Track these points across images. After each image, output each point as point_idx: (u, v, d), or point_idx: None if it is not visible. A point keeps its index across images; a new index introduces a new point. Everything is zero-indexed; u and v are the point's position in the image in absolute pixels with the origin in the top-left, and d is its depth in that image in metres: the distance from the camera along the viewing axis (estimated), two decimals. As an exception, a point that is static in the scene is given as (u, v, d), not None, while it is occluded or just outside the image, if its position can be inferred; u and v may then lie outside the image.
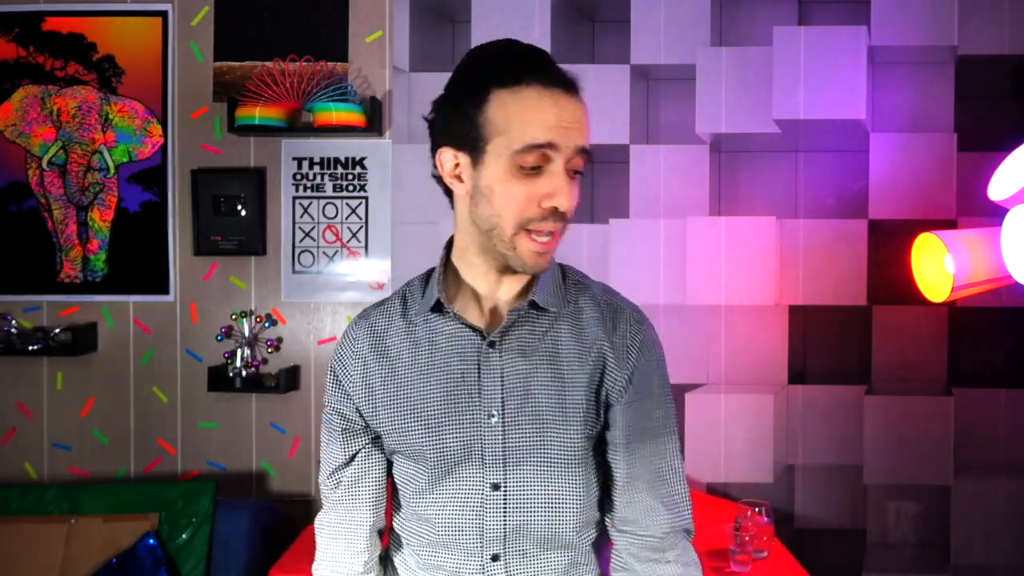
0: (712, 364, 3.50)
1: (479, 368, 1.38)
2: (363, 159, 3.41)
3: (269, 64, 3.35)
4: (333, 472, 1.50)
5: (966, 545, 3.32)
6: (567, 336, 1.41)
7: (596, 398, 1.41)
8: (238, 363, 3.35)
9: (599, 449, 1.46)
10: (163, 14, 3.43)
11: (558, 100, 1.28)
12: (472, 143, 1.30)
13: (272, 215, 3.43)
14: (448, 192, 1.39)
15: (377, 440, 1.48)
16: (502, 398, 1.37)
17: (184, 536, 3.08)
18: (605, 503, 1.48)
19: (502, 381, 1.37)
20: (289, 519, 3.33)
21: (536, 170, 1.28)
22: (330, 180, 3.42)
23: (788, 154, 3.66)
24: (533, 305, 1.40)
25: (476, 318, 1.41)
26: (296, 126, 3.35)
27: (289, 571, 2.73)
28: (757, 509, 2.77)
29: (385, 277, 3.39)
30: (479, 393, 1.38)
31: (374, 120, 3.32)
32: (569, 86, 1.31)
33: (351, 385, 1.44)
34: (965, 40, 3.27)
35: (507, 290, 1.41)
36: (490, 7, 3.43)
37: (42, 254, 3.47)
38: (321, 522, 1.54)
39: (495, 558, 1.41)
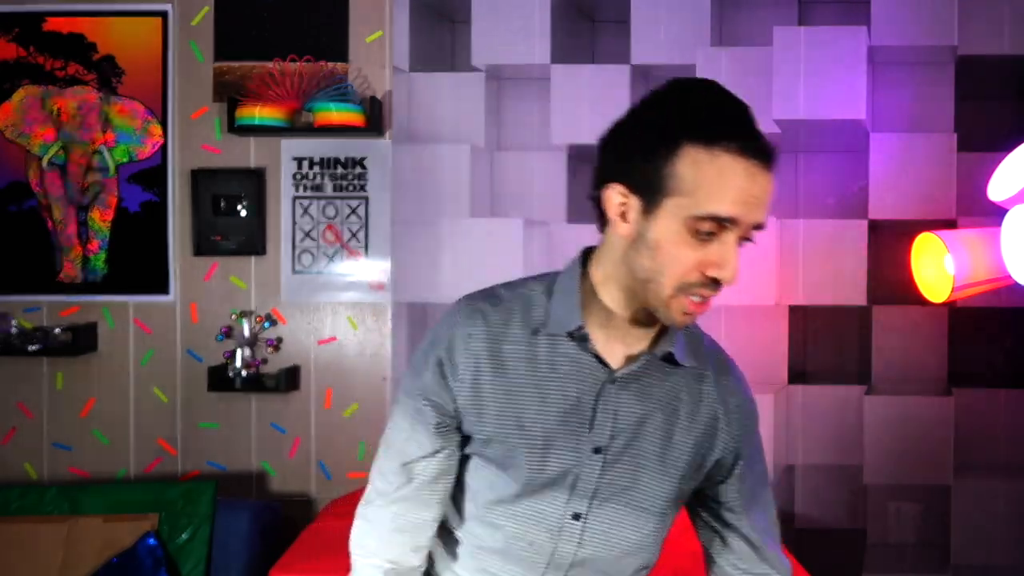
0: (712, 364, 3.50)
1: (596, 401, 1.34)
2: (363, 159, 3.41)
3: (269, 64, 3.35)
4: (409, 463, 1.41)
5: (966, 545, 3.32)
6: (684, 391, 1.40)
7: (701, 458, 1.42)
8: (238, 363, 3.35)
9: (701, 505, 1.50)
10: (163, 14, 3.43)
11: (754, 174, 1.21)
12: (649, 190, 1.24)
13: (272, 215, 3.43)
14: (601, 216, 1.33)
15: (461, 441, 1.43)
16: (610, 435, 1.35)
17: (184, 536, 3.08)
18: (720, 555, 1.50)
19: (614, 419, 1.35)
20: (289, 519, 3.33)
21: (709, 236, 1.23)
22: (330, 180, 3.42)
23: (788, 154, 3.66)
24: (667, 357, 1.37)
25: (603, 349, 1.36)
26: (296, 126, 3.35)
27: (289, 571, 2.73)
28: (757, 509, 2.77)
29: (385, 277, 3.39)
30: (590, 426, 1.35)
31: (374, 120, 3.32)
32: (766, 157, 1.23)
33: (458, 383, 1.36)
34: (965, 40, 3.27)
35: (639, 331, 1.36)
36: (490, 7, 3.43)
37: (42, 254, 3.47)
38: (378, 511, 1.45)
39: None
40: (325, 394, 3.42)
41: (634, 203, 1.25)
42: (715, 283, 1.26)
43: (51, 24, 3.44)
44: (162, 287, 3.44)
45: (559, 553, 1.40)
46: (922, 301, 2.84)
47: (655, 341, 1.38)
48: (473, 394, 1.36)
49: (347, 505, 3.12)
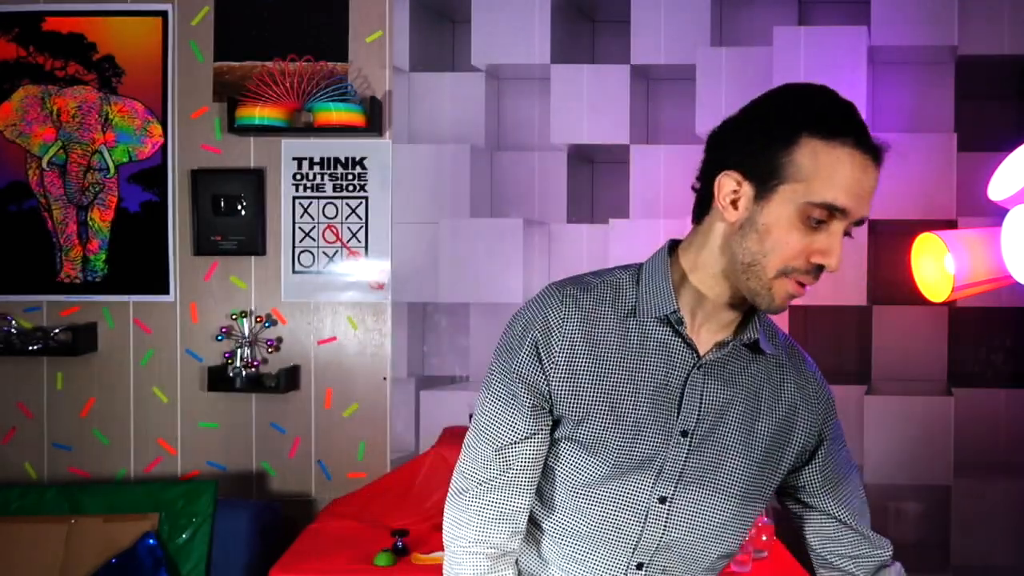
0: (712, 364, 3.50)
1: (684, 385, 1.39)
2: (363, 159, 3.41)
3: (269, 64, 3.35)
4: (505, 448, 1.42)
5: (966, 545, 3.32)
6: (764, 379, 1.45)
7: (781, 445, 1.47)
8: (238, 363, 3.35)
9: (785, 494, 1.57)
10: (163, 14, 3.43)
11: (866, 168, 1.28)
12: (764, 177, 1.29)
13: (272, 215, 3.43)
14: (701, 207, 1.39)
15: (552, 425, 1.44)
16: (696, 418, 1.39)
17: (184, 536, 3.08)
18: (814, 539, 1.62)
19: (700, 403, 1.40)
20: (289, 519, 3.33)
21: (819, 225, 1.28)
22: (330, 180, 3.42)
23: (788, 154, 3.66)
24: (751, 345, 1.43)
25: (692, 335, 1.41)
26: (296, 126, 3.35)
27: (289, 571, 2.73)
28: (757, 509, 2.77)
29: (385, 277, 3.39)
30: (678, 409, 1.39)
31: (374, 120, 3.32)
32: (877, 155, 1.30)
33: (552, 364, 1.39)
34: (965, 40, 3.27)
35: (726, 318, 1.41)
36: (490, 7, 3.43)
37: (42, 254, 3.47)
38: (474, 500, 1.44)
39: (640, 566, 1.45)
40: (325, 394, 3.42)
41: (747, 190, 1.31)
42: (818, 270, 1.31)
43: (51, 24, 3.44)
44: (162, 287, 3.44)
45: (645, 537, 1.42)
46: (922, 301, 2.84)
47: (738, 330, 1.42)
48: (568, 375, 1.39)
49: (347, 505, 3.13)
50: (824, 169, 1.26)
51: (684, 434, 1.39)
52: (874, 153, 1.29)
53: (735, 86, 3.34)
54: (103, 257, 3.46)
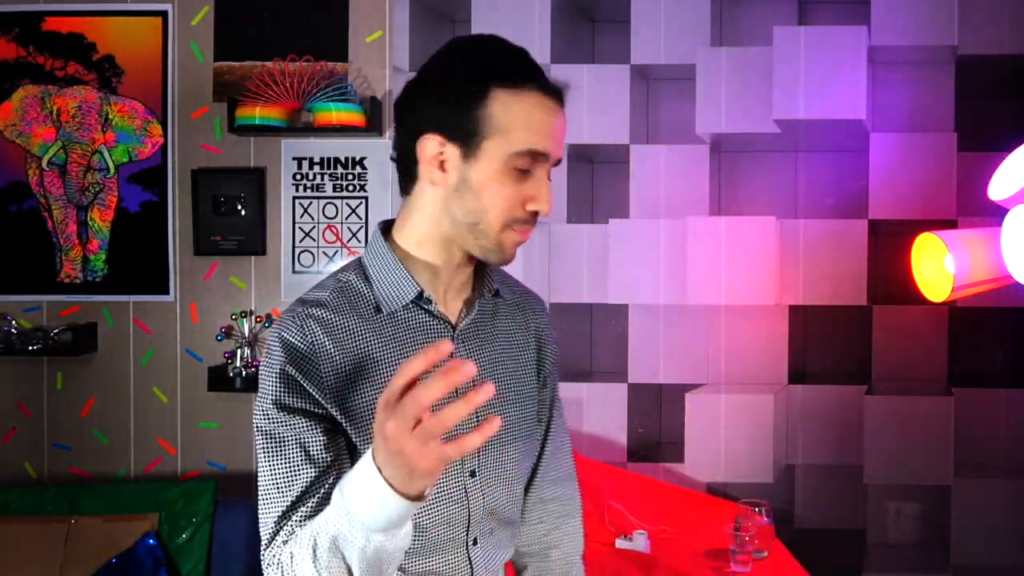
0: (712, 364, 3.50)
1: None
2: (363, 159, 3.41)
3: (269, 64, 3.36)
4: (305, 492, 1.28)
5: (966, 545, 3.31)
6: (511, 320, 1.51)
7: (538, 375, 1.55)
8: (238, 363, 3.35)
9: None
10: (163, 14, 3.43)
11: (553, 111, 1.32)
12: (465, 136, 1.30)
13: (272, 215, 3.43)
14: (406, 178, 1.38)
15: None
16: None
17: (184, 536, 3.08)
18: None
19: (475, 355, 1.42)
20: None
21: (525, 173, 1.31)
22: (330, 180, 3.42)
23: (788, 154, 3.66)
24: (496, 294, 1.48)
25: (440, 308, 1.42)
26: (296, 126, 3.35)
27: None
28: (757, 509, 2.77)
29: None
30: None
31: (374, 120, 3.32)
32: (560, 98, 1.34)
33: (320, 386, 1.31)
34: (965, 40, 3.27)
35: (462, 278, 1.43)
36: (490, 7, 3.42)
37: (42, 254, 3.47)
38: (293, 552, 1.24)
39: (475, 542, 1.44)
40: (325, 394, 3.42)
41: (452, 151, 1.31)
42: (534, 216, 1.35)
43: (51, 24, 3.44)
44: (162, 287, 3.44)
45: (472, 515, 1.41)
46: (922, 301, 2.83)
47: (476, 285, 1.46)
48: (337, 390, 1.32)
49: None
50: (519, 118, 1.28)
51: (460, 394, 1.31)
52: (558, 96, 1.33)
53: (735, 86, 3.34)
54: (103, 257, 3.46)
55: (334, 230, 3.43)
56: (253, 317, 3.40)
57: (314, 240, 3.42)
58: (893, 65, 3.49)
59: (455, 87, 1.31)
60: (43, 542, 3.06)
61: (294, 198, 3.43)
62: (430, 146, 1.32)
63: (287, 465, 1.29)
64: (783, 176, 3.67)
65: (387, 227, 1.44)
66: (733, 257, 3.34)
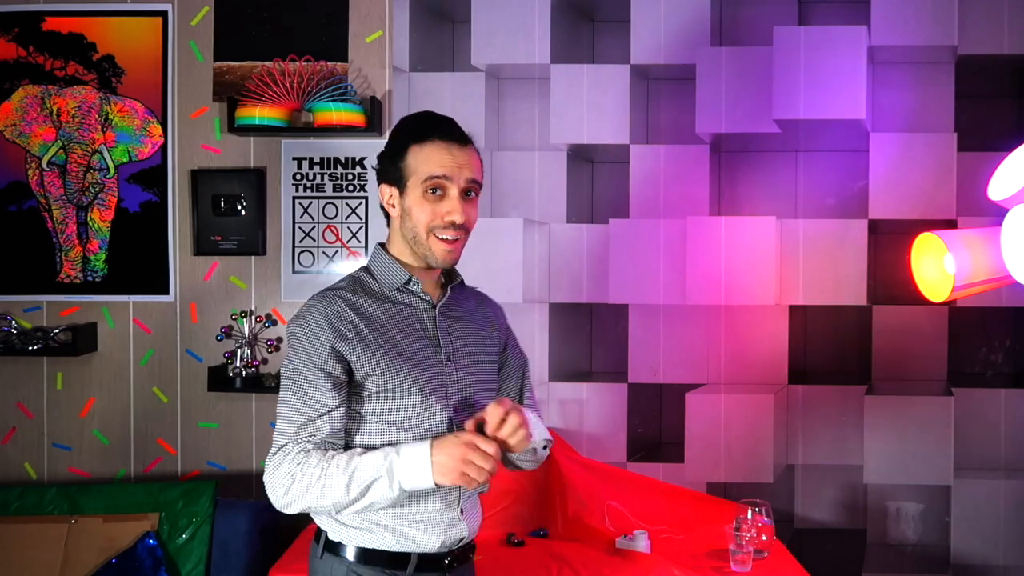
0: (712, 364, 3.50)
1: (436, 326, 1.96)
2: (363, 159, 3.41)
3: (269, 64, 3.36)
4: (313, 419, 1.82)
5: (966, 545, 3.32)
6: (474, 306, 2.08)
7: (499, 344, 2.10)
8: (238, 363, 3.35)
9: None
10: (163, 14, 3.43)
11: (451, 148, 1.90)
12: (399, 181, 1.92)
13: (272, 215, 3.43)
14: (388, 215, 1.99)
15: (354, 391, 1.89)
16: (451, 346, 1.96)
17: (184, 536, 3.08)
18: None
19: (450, 336, 1.97)
20: (289, 519, 3.33)
21: (439, 196, 1.89)
22: (330, 180, 3.42)
23: (788, 154, 3.66)
24: (461, 284, 2.06)
25: (428, 292, 2.00)
26: (296, 126, 3.35)
27: (289, 571, 2.73)
28: (757, 509, 2.77)
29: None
30: (438, 343, 1.95)
31: (374, 120, 3.32)
32: (462, 139, 1.93)
33: (345, 344, 1.85)
34: (965, 40, 3.27)
35: (433, 277, 2.00)
36: (490, 7, 3.42)
37: (42, 254, 3.47)
38: (301, 461, 1.81)
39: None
40: (325, 394, 3.42)
41: (395, 192, 1.94)
42: (454, 226, 1.89)
43: (51, 24, 3.44)
44: (162, 287, 3.44)
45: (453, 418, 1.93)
46: (922, 301, 2.83)
47: (446, 281, 2.03)
48: (363, 346, 1.87)
49: (347, 505, 3.13)
50: (422, 159, 1.89)
51: (449, 359, 1.94)
52: (459, 139, 1.92)
53: (735, 86, 3.34)
54: (103, 257, 3.46)
55: (334, 230, 3.43)
56: (253, 317, 3.40)
57: (314, 240, 3.43)
58: (893, 65, 3.49)
59: (390, 150, 1.95)
60: (43, 542, 3.06)
61: (294, 198, 3.43)
62: (384, 192, 1.96)
63: (308, 399, 1.83)
64: (783, 176, 3.67)
65: (383, 244, 2.04)
66: (733, 257, 3.35)
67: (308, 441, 1.82)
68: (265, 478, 1.87)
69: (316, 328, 1.86)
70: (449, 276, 2.04)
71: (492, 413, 1.79)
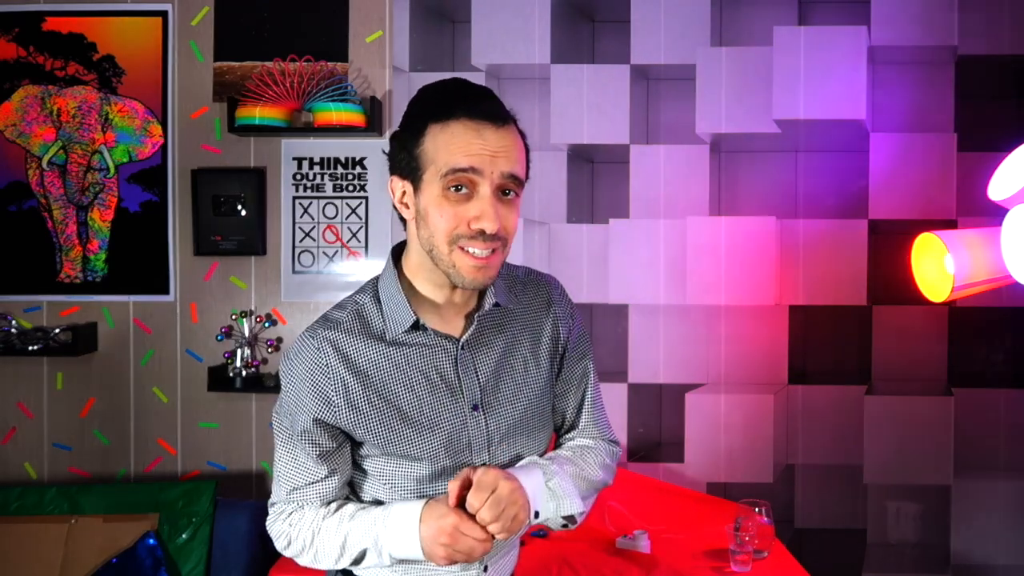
0: (712, 364, 3.50)
1: (456, 369, 1.53)
2: (363, 159, 3.41)
3: (269, 64, 3.36)
4: (300, 488, 1.57)
5: (966, 545, 3.32)
6: (519, 322, 1.61)
7: (552, 358, 1.64)
8: (238, 363, 3.35)
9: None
10: (163, 14, 3.43)
11: (482, 131, 1.41)
12: (412, 172, 1.45)
13: (272, 215, 3.43)
14: (403, 218, 1.54)
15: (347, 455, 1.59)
16: (480, 388, 1.54)
17: (184, 536, 3.08)
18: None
19: (477, 374, 1.54)
20: (289, 519, 3.33)
21: (464, 194, 1.42)
22: (330, 180, 3.42)
23: (788, 154, 3.66)
24: (495, 305, 1.57)
25: (443, 326, 1.55)
26: (296, 126, 3.35)
27: (289, 571, 2.73)
28: (757, 509, 2.77)
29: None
30: (460, 391, 1.53)
31: (374, 120, 3.32)
32: (496, 118, 1.43)
33: (331, 412, 1.51)
34: (965, 40, 3.27)
35: (460, 295, 1.55)
36: (490, 7, 3.42)
37: (42, 254, 3.47)
38: (295, 522, 1.59)
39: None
40: (325, 394, 3.42)
41: (408, 188, 1.48)
42: (484, 236, 1.43)
43: (51, 24, 3.45)
44: (162, 287, 3.44)
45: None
46: (922, 301, 2.83)
47: (480, 297, 1.57)
48: (354, 412, 1.51)
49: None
50: (443, 145, 1.41)
51: (475, 408, 1.53)
52: (491, 117, 1.42)
53: (735, 86, 3.34)
54: (103, 257, 3.46)
55: (334, 230, 3.43)
56: (253, 317, 3.40)
57: (314, 240, 3.43)
58: (893, 65, 3.49)
59: (403, 131, 1.48)
60: (43, 542, 3.06)
61: (294, 198, 3.43)
62: (396, 187, 1.50)
63: (296, 463, 1.56)
64: (783, 176, 3.67)
65: (400, 249, 1.59)
66: (733, 257, 3.35)
67: (299, 504, 1.59)
68: (267, 525, 1.66)
69: (299, 391, 1.52)
70: (481, 305, 1.59)
71: (451, 491, 1.43)
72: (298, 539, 1.57)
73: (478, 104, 1.44)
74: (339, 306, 1.58)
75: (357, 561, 1.54)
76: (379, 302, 1.54)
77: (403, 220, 1.54)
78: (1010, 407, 3.42)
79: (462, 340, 1.54)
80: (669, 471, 3.37)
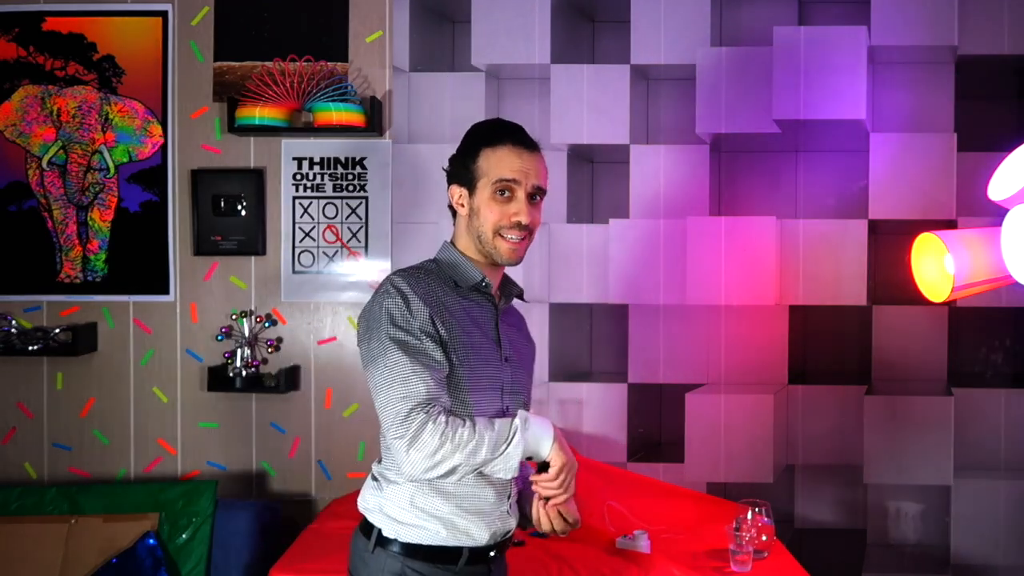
0: (712, 364, 3.50)
1: (497, 328, 2.06)
2: (363, 159, 3.41)
3: (269, 64, 3.36)
4: (439, 379, 1.89)
5: (966, 545, 3.32)
6: (518, 320, 2.20)
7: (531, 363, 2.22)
8: (238, 363, 3.35)
9: None
10: (163, 14, 3.43)
11: (521, 154, 2.01)
12: (469, 181, 2.02)
13: (272, 215, 3.43)
14: (455, 213, 2.08)
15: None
16: (509, 345, 2.07)
17: (184, 536, 3.08)
18: None
19: (508, 338, 2.07)
20: (289, 519, 3.33)
21: (507, 197, 1.99)
22: (330, 180, 3.42)
23: (788, 154, 3.66)
24: (519, 292, 2.15)
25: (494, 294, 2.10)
26: (296, 126, 3.35)
27: (289, 571, 2.73)
28: (757, 509, 2.77)
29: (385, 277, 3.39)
30: (499, 343, 2.05)
31: (374, 120, 3.32)
32: (531, 146, 2.03)
33: (439, 319, 1.92)
34: (965, 40, 3.27)
35: (494, 276, 2.09)
36: (490, 7, 3.42)
37: (42, 254, 3.47)
38: (448, 420, 1.86)
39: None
40: (325, 394, 3.42)
41: (464, 193, 2.03)
42: (519, 226, 1.99)
43: (51, 24, 3.45)
44: (162, 287, 3.45)
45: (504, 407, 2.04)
46: (922, 301, 2.83)
47: (502, 286, 2.12)
48: (442, 323, 1.95)
49: (347, 505, 3.12)
50: (494, 162, 1.99)
51: (506, 360, 2.04)
52: (528, 146, 2.02)
53: (735, 86, 3.34)
54: (103, 257, 3.46)
55: (334, 230, 3.43)
56: (253, 317, 3.40)
57: (314, 240, 3.43)
58: (893, 65, 3.49)
59: (463, 153, 2.05)
60: (43, 542, 3.06)
61: (294, 198, 3.43)
62: (454, 192, 2.05)
63: (426, 357, 1.89)
64: (783, 176, 3.67)
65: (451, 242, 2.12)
66: (733, 257, 3.34)
67: (439, 403, 1.88)
68: (399, 443, 1.85)
69: (408, 303, 1.92)
70: (505, 288, 2.12)
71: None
72: (456, 436, 1.84)
73: (519, 135, 2.04)
74: (412, 267, 2.04)
75: (500, 451, 1.88)
76: (441, 268, 2.03)
77: (453, 216, 2.08)
78: (1010, 407, 3.42)
79: (500, 308, 2.08)
80: (669, 471, 3.37)
